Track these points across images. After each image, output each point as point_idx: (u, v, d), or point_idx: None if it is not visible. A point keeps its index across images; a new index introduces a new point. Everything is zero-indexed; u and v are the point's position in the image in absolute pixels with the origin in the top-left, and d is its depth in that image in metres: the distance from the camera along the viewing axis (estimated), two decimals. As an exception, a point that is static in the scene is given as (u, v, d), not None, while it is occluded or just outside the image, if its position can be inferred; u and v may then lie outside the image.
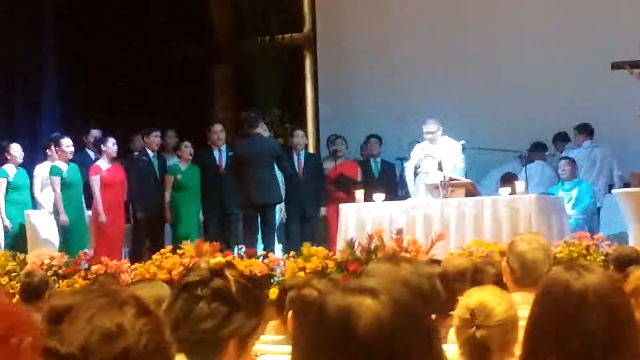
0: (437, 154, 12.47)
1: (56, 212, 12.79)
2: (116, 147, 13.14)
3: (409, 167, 12.90)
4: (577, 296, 2.95)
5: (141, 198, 13.38)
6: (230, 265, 2.97)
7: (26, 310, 1.59)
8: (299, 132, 14.07)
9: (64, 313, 1.97)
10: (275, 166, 12.92)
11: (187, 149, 13.63)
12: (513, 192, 11.32)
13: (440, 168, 12.27)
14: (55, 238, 12.87)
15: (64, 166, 12.92)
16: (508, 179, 13.26)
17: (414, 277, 3.45)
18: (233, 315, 2.83)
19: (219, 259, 2.95)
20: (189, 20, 17.40)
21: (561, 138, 14.39)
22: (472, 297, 3.78)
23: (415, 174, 12.70)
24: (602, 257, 9.65)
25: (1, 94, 15.37)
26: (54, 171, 12.87)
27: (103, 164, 13.07)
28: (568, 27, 14.84)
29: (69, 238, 12.73)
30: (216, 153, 13.66)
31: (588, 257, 9.65)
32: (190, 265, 10.24)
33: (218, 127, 13.82)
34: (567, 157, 13.60)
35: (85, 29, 16.25)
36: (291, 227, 13.52)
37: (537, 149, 13.96)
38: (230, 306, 2.84)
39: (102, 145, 13.19)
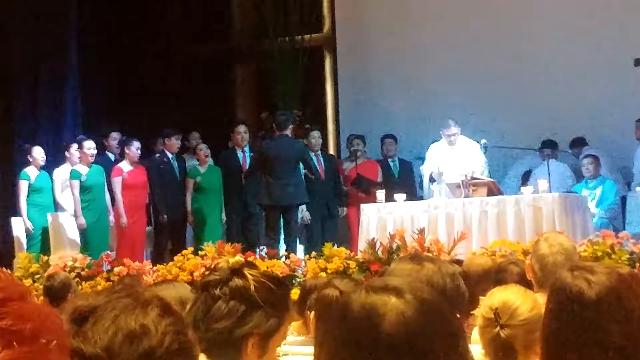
0: (457, 156, 12.43)
1: (76, 215, 12.88)
2: (139, 152, 13.18)
3: (425, 170, 12.91)
4: (592, 307, 2.92)
5: (163, 200, 13.40)
6: (250, 264, 2.96)
7: (54, 311, 1.59)
8: (315, 133, 14.06)
9: (88, 314, 1.97)
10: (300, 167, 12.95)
11: (202, 151, 13.67)
12: (536, 191, 11.28)
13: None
14: (78, 239, 12.94)
15: (84, 169, 12.96)
16: (529, 177, 13.25)
17: (437, 276, 3.44)
18: (250, 314, 2.82)
19: (237, 258, 2.95)
20: (210, 20, 17.45)
21: (579, 143, 14.21)
22: (495, 297, 3.76)
23: (432, 180, 12.72)
24: (627, 256, 9.60)
25: (24, 98, 15.42)
26: (73, 175, 12.94)
27: (125, 166, 13.10)
28: (590, 23, 14.78)
29: (89, 240, 12.79)
30: (239, 154, 13.68)
31: (613, 256, 9.60)
32: (212, 266, 10.27)
33: (242, 128, 13.83)
34: (591, 155, 13.49)
35: (107, 31, 16.29)
36: (313, 227, 13.52)
37: (549, 147, 13.84)
38: (248, 305, 2.83)
39: (125, 148, 13.23)
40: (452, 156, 12.47)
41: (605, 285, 2.94)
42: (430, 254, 9.64)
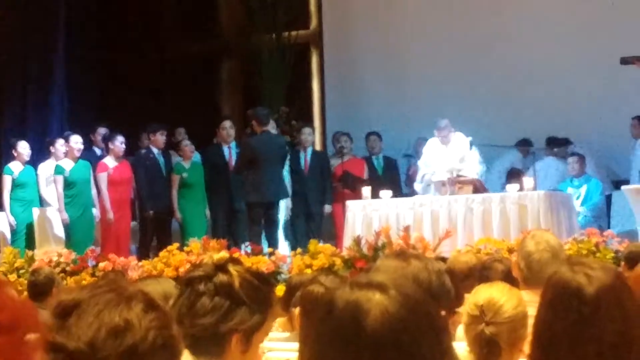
0: (449, 154, 12.40)
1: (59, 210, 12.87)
2: (124, 146, 13.15)
3: (421, 165, 12.85)
4: (590, 303, 2.92)
5: (148, 196, 13.38)
6: (235, 260, 2.95)
7: (32, 304, 1.58)
8: (307, 130, 14.06)
9: (72, 308, 1.96)
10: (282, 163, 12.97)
11: (188, 147, 13.64)
12: (521, 189, 11.30)
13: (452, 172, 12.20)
14: (63, 234, 12.91)
15: (69, 164, 12.93)
16: (513, 174, 13.28)
17: (423, 273, 3.44)
18: (235, 311, 2.82)
19: (222, 254, 2.94)
20: (197, 16, 17.42)
21: (563, 142, 14.21)
22: (480, 294, 3.77)
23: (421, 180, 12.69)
24: (612, 254, 9.63)
25: (11, 93, 15.38)
26: (57, 170, 12.91)
27: (110, 161, 13.07)
28: (577, 22, 14.82)
29: (72, 235, 12.76)
30: (225, 150, 13.66)
31: (597, 254, 9.63)
32: (197, 262, 10.26)
33: (227, 124, 13.82)
34: (576, 154, 13.53)
35: (94, 27, 16.27)
36: (296, 224, 13.53)
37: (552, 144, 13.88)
38: (232, 301, 2.82)
39: (109, 143, 13.20)
40: (445, 153, 12.44)
41: (605, 283, 2.94)
42: (415, 251, 9.65)
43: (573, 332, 2.90)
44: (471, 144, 12.62)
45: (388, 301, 1.90)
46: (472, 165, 12.25)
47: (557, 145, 14.04)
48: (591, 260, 3.12)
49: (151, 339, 1.95)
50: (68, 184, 12.86)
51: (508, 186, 11.66)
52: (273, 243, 12.38)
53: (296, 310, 4.55)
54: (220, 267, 2.86)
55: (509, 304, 3.69)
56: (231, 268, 2.87)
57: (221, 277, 2.85)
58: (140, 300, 2.00)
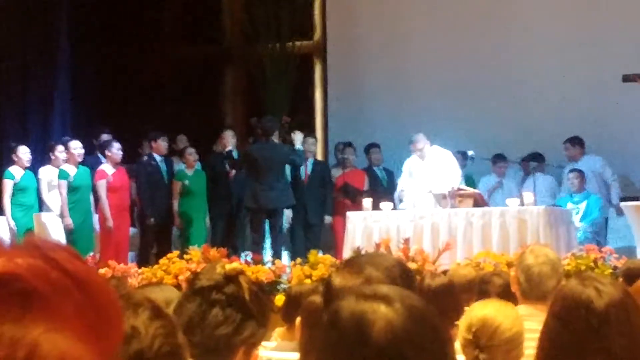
0: (428, 169, 12.38)
1: (63, 215, 12.85)
2: (121, 152, 13.14)
3: (399, 184, 12.89)
4: (600, 316, 2.93)
5: (150, 203, 13.38)
6: (242, 272, 2.96)
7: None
8: (310, 139, 14.07)
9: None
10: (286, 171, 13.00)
11: (192, 155, 13.65)
12: (521, 203, 11.33)
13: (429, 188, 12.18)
14: (63, 240, 12.88)
15: (72, 169, 12.93)
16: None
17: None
18: (246, 323, 2.82)
19: (234, 264, 2.94)
20: (201, 24, 17.44)
21: (577, 142, 14.05)
22: (475, 315, 3.73)
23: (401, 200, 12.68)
24: (610, 270, 9.65)
25: (13, 98, 15.38)
26: (61, 175, 12.90)
27: (108, 168, 13.07)
28: (579, 39, 14.83)
29: (74, 241, 12.73)
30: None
31: (596, 270, 9.63)
32: (198, 269, 10.27)
33: (229, 133, 13.84)
34: (576, 169, 13.53)
35: (98, 32, 16.28)
36: (295, 233, 13.53)
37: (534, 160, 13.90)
38: (243, 313, 2.83)
39: (106, 150, 13.19)
40: (424, 169, 12.43)
41: (614, 298, 2.96)
42: (415, 264, 9.67)
43: (580, 342, 2.92)
44: (472, 158, 12.64)
45: (393, 313, 1.90)
46: (451, 178, 12.17)
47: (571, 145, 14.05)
48: (601, 275, 3.14)
49: (157, 346, 1.96)
50: (72, 190, 12.85)
51: (508, 200, 11.68)
52: (277, 251, 12.39)
53: (297, 320, 4.56)
54: (231, 278, 2.87)
55: (504, 324, 3.66)
56: (241, 279, 2.88)
57: (232, 288, 2.85)
58: (147, 307, 2.02)
